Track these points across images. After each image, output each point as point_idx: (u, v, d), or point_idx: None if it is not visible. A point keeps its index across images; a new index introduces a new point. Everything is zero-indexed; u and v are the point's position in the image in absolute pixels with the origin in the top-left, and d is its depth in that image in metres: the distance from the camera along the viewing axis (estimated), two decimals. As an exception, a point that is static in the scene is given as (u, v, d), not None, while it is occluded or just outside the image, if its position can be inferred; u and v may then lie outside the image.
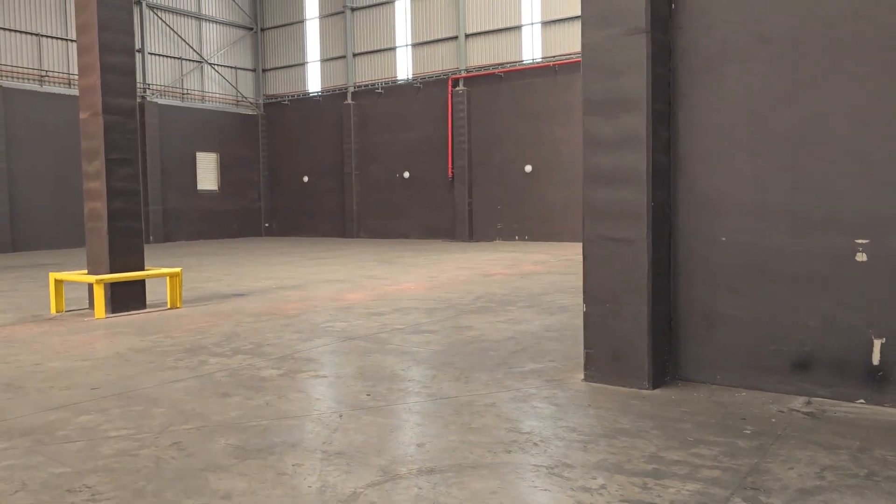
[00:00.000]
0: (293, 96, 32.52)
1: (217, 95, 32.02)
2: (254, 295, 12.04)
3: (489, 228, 27.02)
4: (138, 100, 28.35)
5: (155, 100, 29.19)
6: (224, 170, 32.09)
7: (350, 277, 14.58)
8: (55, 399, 5.64)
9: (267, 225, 33.74)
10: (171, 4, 30.04)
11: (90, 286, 10.34)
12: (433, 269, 15.94)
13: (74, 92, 26.69)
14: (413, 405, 5.36)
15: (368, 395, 5.65)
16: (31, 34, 25.73)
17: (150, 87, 29.25)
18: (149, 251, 23.87)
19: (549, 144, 25.43)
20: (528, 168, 25.80)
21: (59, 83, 26.50)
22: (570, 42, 24.87)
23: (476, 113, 27.04)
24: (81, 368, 6.72)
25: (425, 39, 28.33)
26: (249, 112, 33.28)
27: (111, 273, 10.02)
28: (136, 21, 28.94)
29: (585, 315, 5.90)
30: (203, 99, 31.51)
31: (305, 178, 32.27)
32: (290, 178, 32.91)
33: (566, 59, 24.80)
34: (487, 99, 26.70)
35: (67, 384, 6.12)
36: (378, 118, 29.71)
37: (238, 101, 32.92)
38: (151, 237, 28.90)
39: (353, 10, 30.25)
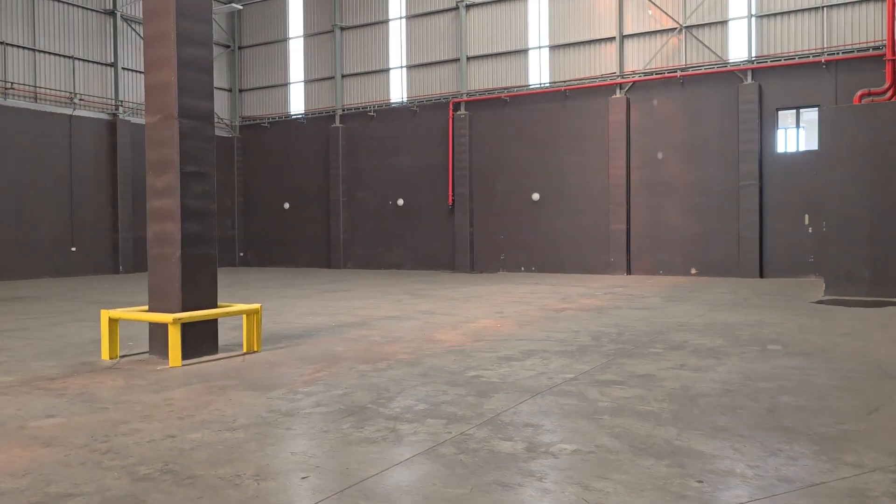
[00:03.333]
0: (273, 118, 30.65)
1: (191, 115, 29.81)
2: (322, 335, 10.32)
3: (491, 259, 25.67)
4: (109, 118, 26.18)
5: (128, 118, 26.88)
6: (198, 195, 29.79)
7: (406, 313, 12.95)
8: (285, 499, 3.96)
9: (241, 254, 31.53)
10: (146, 17, 27.87)
11: (151, 326, 8.49)
12: (486, 304, 14.45)
13: (41, 107, 24.28)
14: (792, 499, 3.91)
15: (700, 482, 4.17)
16: (-5, 42, 23.30)
17: (123, 104, 26.94)
18: (121, 283, 21.58)
19: (557, 172, 24.37)
20: (536, 196, 24.65)
21: (25, 97, 24.02)
22: (581, 66, 24.00)
23: (478, 138, 25.81)
24: (242, 444, 5.01)
25: (423, 61, 27.01)
26: (224, 134, 31.20)
27: (183, 310, 8.21)
28: (109, 33, 26.74)
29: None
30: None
31: (286, 205, 30.31)
32: (268, 204, 30.88)
33: (578, 83, 23.89)
34: (491, 124, 25.53)
35: (256, 472, 4.41)
36: (369, 142, 28.14)
37: (213, 123, 30.79)
38: (121, 267, 26.39)
39: (342, 29, 28.75)
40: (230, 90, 31.58)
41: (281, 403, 6.17)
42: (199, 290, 8.44)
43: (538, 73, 24.92)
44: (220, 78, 31.09)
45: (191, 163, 8.33)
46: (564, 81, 24.26)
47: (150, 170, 8.45)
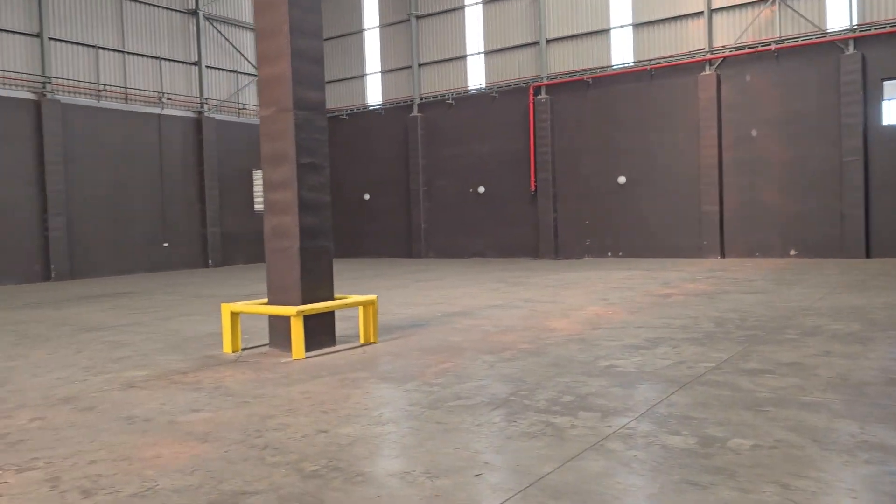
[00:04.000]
0: (351, 110, 30.82)
1: (271, 110, 30.25)
2: (431, 325, 10.20)
3: (576, 245, 25.21)
4: (195, 115, 26.74)
5: (212, 115, 27.45)
6: (280, 188, 30.25)
7: (507, 302, 12.74)
8: (466, 498, 3.81)
9: (323, 246, 31.83)
10: (228, 15, 28.42)
11: (271, 319, 8.51)
12: (586, 290, 14.10)
13: (130, 107, 24.98)
14: None
15: (913, 480, 3.82)
16: (88, 46, 24.03)
17: (208, 101, 27.51)
18: (212, 276, 22.05)
19: (644, 154, 23.70)
20: (622, 179, 24.05)
21: (116, 98, 24.76)
22: (666, 44, 23.24)
23: (560, 122, 25.33)
24: (398, 439, 4.89)
25: (501, 46, 26.66)
26: (304, 128, 31.51)
27: (303, 303, 8.19)
28: (192, 32, 27.32)
29: None
30: (258, 115, 29.78)
31: (366, 196, 30.49)
32: (348, 196, 31.08)
33: (664, 61, 23.14)
34: (573, 106, 25.00)
35: (426, 469, 4.27)
36: (448, 130, 27.99)
37: (292, 117, 31.16)
38: (211, 261, 27.03)
39: (418, 17, 28.63)
40: (308, 84, 31.84)
41: (419, 396, 6.04)
42: (317, 283, 8.41)
43: (621, 52, 24.25)
44: (298, 72, 31.37)
45: (306, 154, 8.28)
46: (650, 60, 23.53)
47: (265, 163, 8.44)
